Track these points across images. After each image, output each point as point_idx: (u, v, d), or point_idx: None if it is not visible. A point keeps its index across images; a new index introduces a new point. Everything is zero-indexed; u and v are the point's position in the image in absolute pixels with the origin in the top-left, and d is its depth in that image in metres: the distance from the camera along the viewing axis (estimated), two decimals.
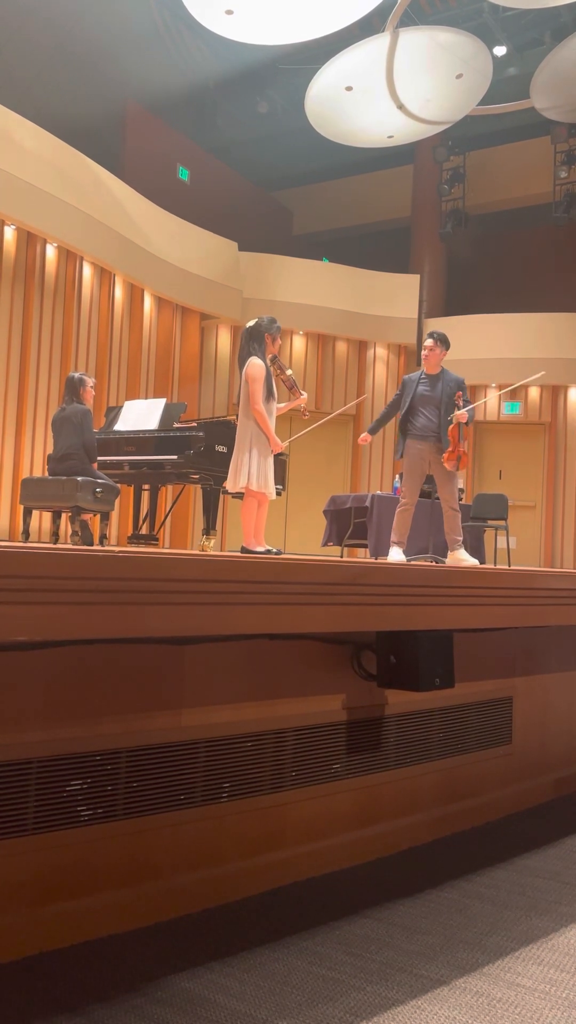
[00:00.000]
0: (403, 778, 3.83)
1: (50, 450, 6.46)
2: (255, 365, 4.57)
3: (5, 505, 8.97)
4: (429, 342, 6.11)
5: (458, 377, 6.13)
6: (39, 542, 7.18)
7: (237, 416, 4.74)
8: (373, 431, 6.29)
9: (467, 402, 6.03)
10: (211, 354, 12.27)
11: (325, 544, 8.16)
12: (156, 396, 11.00)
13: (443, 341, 6.13)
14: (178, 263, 11.31)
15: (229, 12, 9.20)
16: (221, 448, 6.27)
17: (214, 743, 3.07)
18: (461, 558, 5.96)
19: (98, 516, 6.32)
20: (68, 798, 2.68)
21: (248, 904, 3.06)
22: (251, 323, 4.72)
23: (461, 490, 7.33)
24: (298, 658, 3.38)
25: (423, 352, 6.13)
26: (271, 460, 4.67)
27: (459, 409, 5.92)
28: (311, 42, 10.55)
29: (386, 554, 6.46)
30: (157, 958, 2.60)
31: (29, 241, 9.36)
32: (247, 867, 3.16)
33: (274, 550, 4.63)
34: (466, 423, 5.98)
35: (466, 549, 6.18)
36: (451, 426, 5.91)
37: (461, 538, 6.07)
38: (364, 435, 6.30)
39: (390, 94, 10.66)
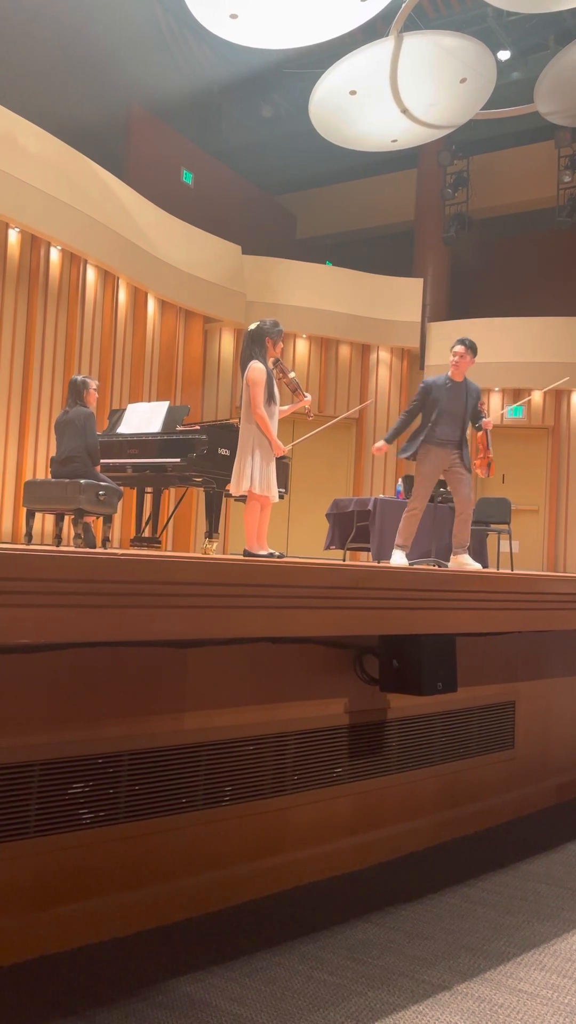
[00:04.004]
0: (405, 783, 3.82)
1: (53, 453, 6.46)
2: (256, 369, 4.57)
3: (8, 507, 8.98)
4: (460, 348, 5.90)
5: (477, 386, 6.08)
6: (42, 544, 7.18)
7: (240, 420, 4.75)
8: (390, 439, 6.13)
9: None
10: (214, 357, 12.28)
11: (327, 548, 8.15)
12: (159, 399, 11.00)
13: (473, 349, 5.94)
14: (182, 266, 11.32)
15: (233, 16, 9.22)
16: (224, 451, 6.27)
17: (216, 746, 3.07)
18: (464, 562, 5.95)
19: (101, 519, 6.32)
20: (70, 801, 2.67)
21: (250, 908, 3.05)
22: (253, 326, 4.72)
23: None
24: (300, 662, 3.38)
25: (453, 359, 5.92)
26: (274, 464, 4.67)
27: (484, 417, 5.99)
28: (315, 46, 10.55)
29: (389, 558, 6.45)
30: (158, 962, 2.60)
31: (33, 244, 9.37)
32: (249, 871, 3.15)
33: (276, 553, 4.63)
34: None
35: (469, 553, 6.17)
36: (480, 433, 6.03)
37: (468, 543, 6.06)
38: (380, 444, 6.10)
39: (394, 98, 10.67)
